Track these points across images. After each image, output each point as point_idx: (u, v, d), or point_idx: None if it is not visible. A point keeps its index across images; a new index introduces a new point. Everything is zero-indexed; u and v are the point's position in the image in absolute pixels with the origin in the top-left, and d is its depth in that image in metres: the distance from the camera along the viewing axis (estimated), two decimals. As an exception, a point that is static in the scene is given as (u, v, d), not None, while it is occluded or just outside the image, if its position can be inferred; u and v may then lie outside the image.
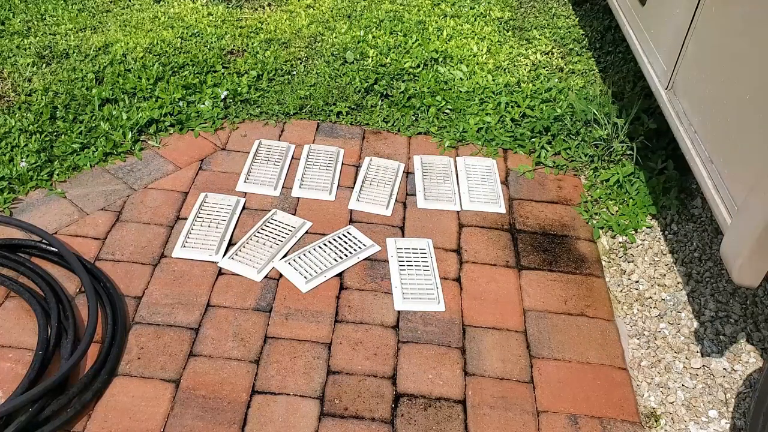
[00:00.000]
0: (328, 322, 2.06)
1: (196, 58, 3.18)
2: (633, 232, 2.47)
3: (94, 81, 2.99)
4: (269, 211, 2.45)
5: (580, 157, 2.76)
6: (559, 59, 3.38)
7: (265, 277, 2.20)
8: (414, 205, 2.53)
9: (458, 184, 2.63)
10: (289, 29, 3.51)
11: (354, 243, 2.33)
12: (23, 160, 2.54)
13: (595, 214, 2.53)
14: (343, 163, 2.70)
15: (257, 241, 2.31)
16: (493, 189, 2.60)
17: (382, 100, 3.04)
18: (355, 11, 3.70)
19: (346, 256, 2.28)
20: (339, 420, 1.81)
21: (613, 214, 2.52)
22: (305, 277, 2.18)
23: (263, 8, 3.74)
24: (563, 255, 2.35)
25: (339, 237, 2.35)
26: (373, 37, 3.43)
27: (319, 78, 3.14)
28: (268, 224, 2.38)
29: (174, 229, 2.35)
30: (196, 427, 1.77)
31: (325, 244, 2.31)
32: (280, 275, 2.20)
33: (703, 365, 2.03)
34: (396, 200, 2.54)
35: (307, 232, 2.37)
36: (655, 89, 2.28)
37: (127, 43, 3.25)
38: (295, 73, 3.18)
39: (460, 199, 2.56)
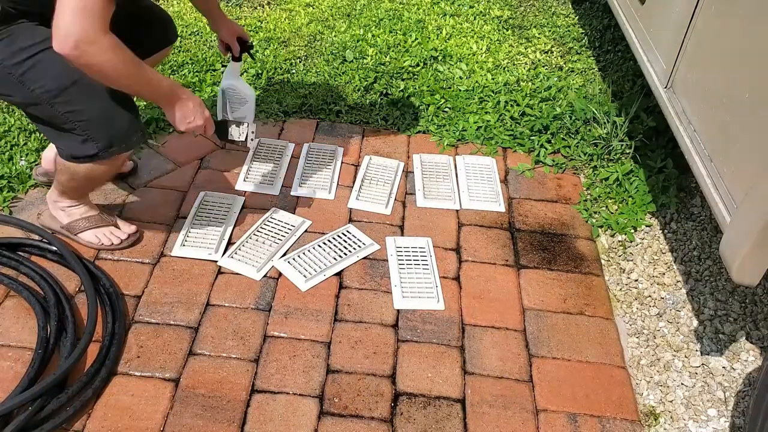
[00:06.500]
0: (328, 321, 2.07)
1: (196, 57, 3.18)
2: (632, 230, 2.47)
3: (93, 80, 2.98)
4: (269, 209, 2.45)
5: (580, 156, 2.76)
6: (559, 58, 3.38)
7: (265, 275, 2.20)
8: (413, 203, 2.53)
9: (458, 182, 2.63)
10: (288, 28, 3.50)
11: (353, 242, 2.33)
12: (23, 158, 2.53)
13: (595, 212, 2.53)
14: (342, 162, 2.70)
15: (257, 240, 2.31)
16: (492, 188, 2.60)
17: (381, 99, 3.04)
18: (355, 10, 3.70)
19: (346, 254, 2.28)
20: (338, 419, 1.81)
21: (612, 213, 2.52)
22: (305, 276, 2.18)
23: (262, 7, 3.74)
24: (562, 254, 2.35)
25: (338, 236, 2.35)
26: (373, 35, 3.43)
27: (319, 77, 3.14)
28: (267, 223, 2.38)
29: (173, 227, 2.35)
30: (195, 426, 1.77)
31: (324, 243, 2.31)
32: (280, 274, 2.20)
33: (703, 364, 2.03)
34: (395, 199, 2.54)
35: (306, 231, 2.37)
36: (654, 88, 2.28)
37: (127, 42, 3.24)
38: (294, 71, 3.17)
39: (460, 198, 2.56)
